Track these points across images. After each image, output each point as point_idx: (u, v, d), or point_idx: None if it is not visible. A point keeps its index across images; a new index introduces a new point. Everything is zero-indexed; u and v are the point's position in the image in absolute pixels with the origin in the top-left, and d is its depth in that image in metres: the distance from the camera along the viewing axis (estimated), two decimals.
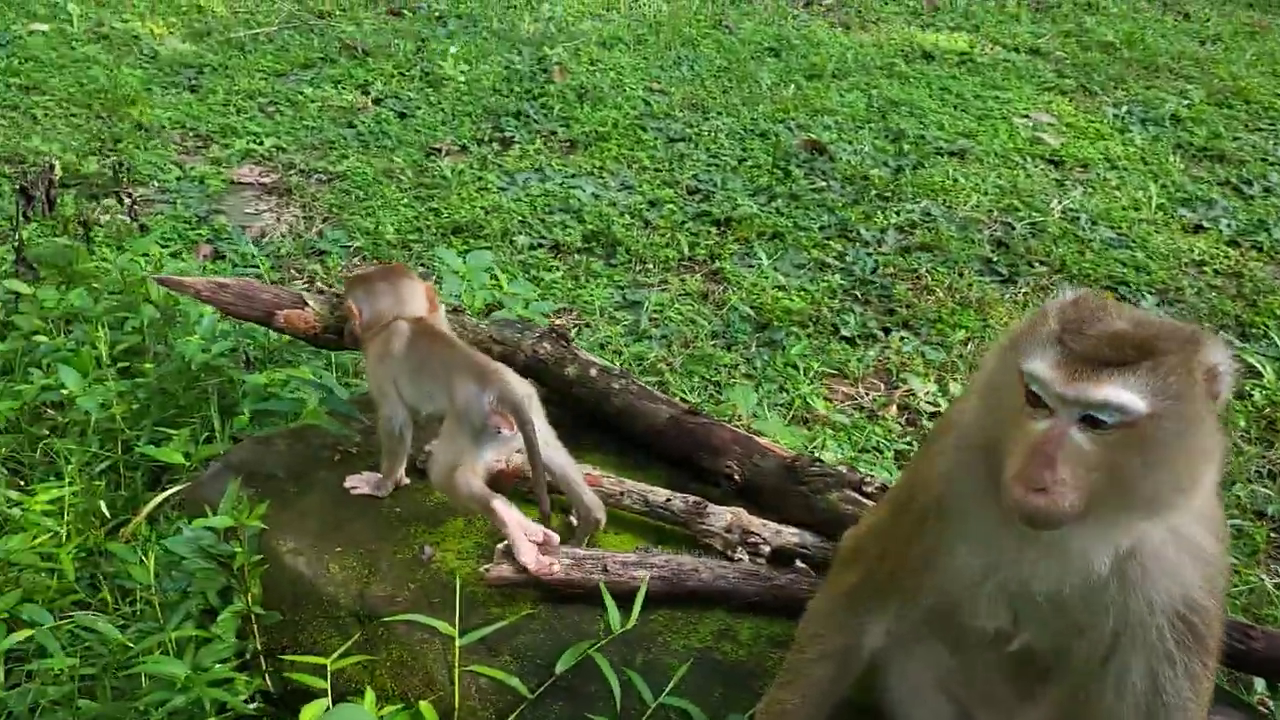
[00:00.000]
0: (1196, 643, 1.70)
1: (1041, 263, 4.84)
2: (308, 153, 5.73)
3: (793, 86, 6.68)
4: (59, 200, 3.80)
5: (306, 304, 2.83)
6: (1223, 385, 1.60)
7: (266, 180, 5.44)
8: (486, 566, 2.29)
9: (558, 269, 4.83)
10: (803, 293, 4.65)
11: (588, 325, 4.46)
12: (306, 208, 5.23)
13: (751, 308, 4.54)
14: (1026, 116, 6.36)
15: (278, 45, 7.04)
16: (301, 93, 6.37)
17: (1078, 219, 5.19)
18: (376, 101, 6.37)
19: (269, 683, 2.39)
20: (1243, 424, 3.82)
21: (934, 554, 1.76)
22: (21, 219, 3.64)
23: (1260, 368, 4.09)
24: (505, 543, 2.30)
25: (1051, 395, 1.54)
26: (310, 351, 3.55)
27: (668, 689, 2.05)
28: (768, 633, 2.28)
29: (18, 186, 3.66)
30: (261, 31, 7.25)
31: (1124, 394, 1.52)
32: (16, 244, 3.68)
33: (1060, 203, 5.31)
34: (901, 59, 7.15)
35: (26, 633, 2.24)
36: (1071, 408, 1.53)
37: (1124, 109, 6.44)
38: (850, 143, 5.99)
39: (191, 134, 5.90)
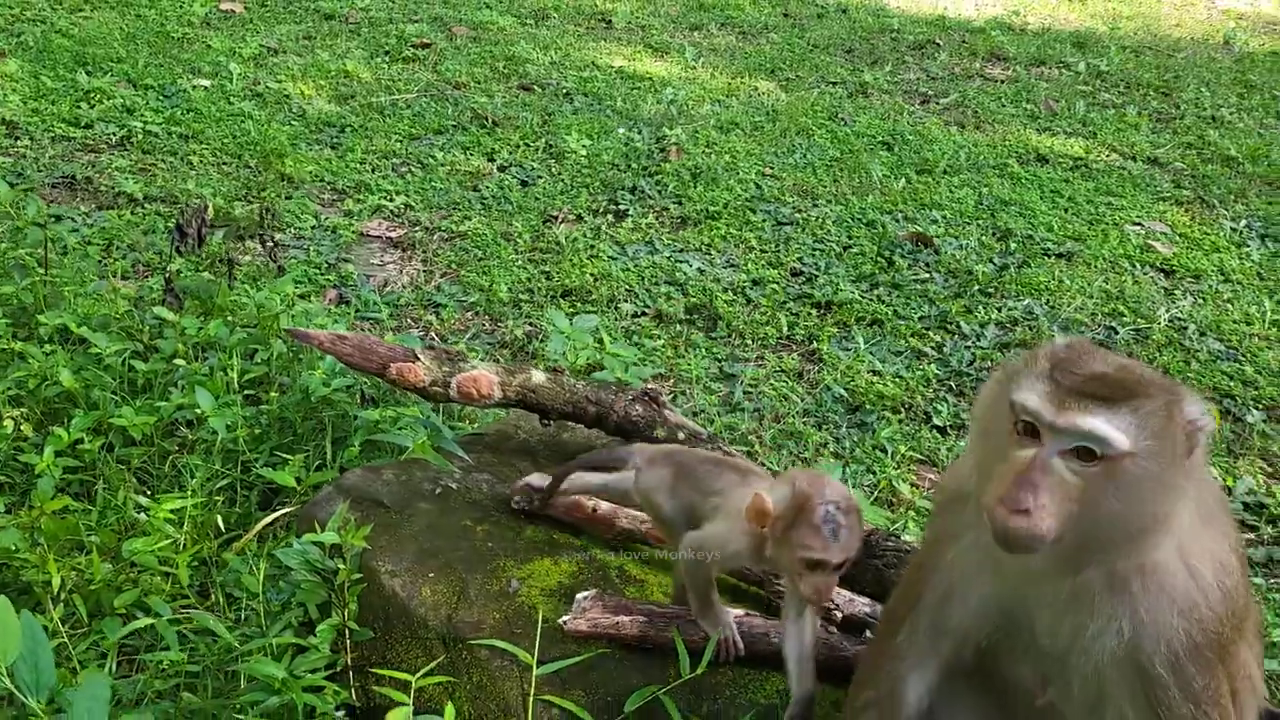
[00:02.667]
0: (1179, 687, 1.73)
1: None
2: (433, 212, 6.08)
3: (903, 180, 6.79)
4: (208, 239, 4.13)
5: (418, 358, 3.02)
6: (1199, 441, 1.71)
7: (394, 235, 5.79)
8: (565, 618, 2.40)
9: (659, 337, 5.00)
10: (898, 379, 4.71)
11: (684, 393, 4.60)
12: (427, 262, 5.54)
13: (845, 389, 4.61)
14: (1139, 224, 6.33)
15: (414, 111, 7.49)
16: (432, 156, 6.76)
17: (1185, 329, 5.13)
18: (501, 169, 6.72)
19: (354, 695, 2.54)
20: None
21: (936, 596, 1.86)
22: (174, 253, 3.97)
23: None
24: (586, 595, 2.41)
25: (1042, 424, 1.66)
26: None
27: None
28: (832, 697, 2.33)
29: (174, 223, 4.01)
30: (400, 97, 7.73)
31: (1109, 428, 1.63)
32: (167, 275, 4.02)
33: (1168, 311, 5.27)
34: (1015, 160, 7.21)
35: (146, 621, 2.43)
36: (1059, 437, 1.65)
37: (1242, 223, 6.36)
38: (956, 238, 6.05)
39: (329, 188, 6.32)
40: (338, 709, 2.39)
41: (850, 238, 6.02)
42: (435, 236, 5.82)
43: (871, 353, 4.90)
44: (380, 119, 7.34)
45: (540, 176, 6.63)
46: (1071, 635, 1.77)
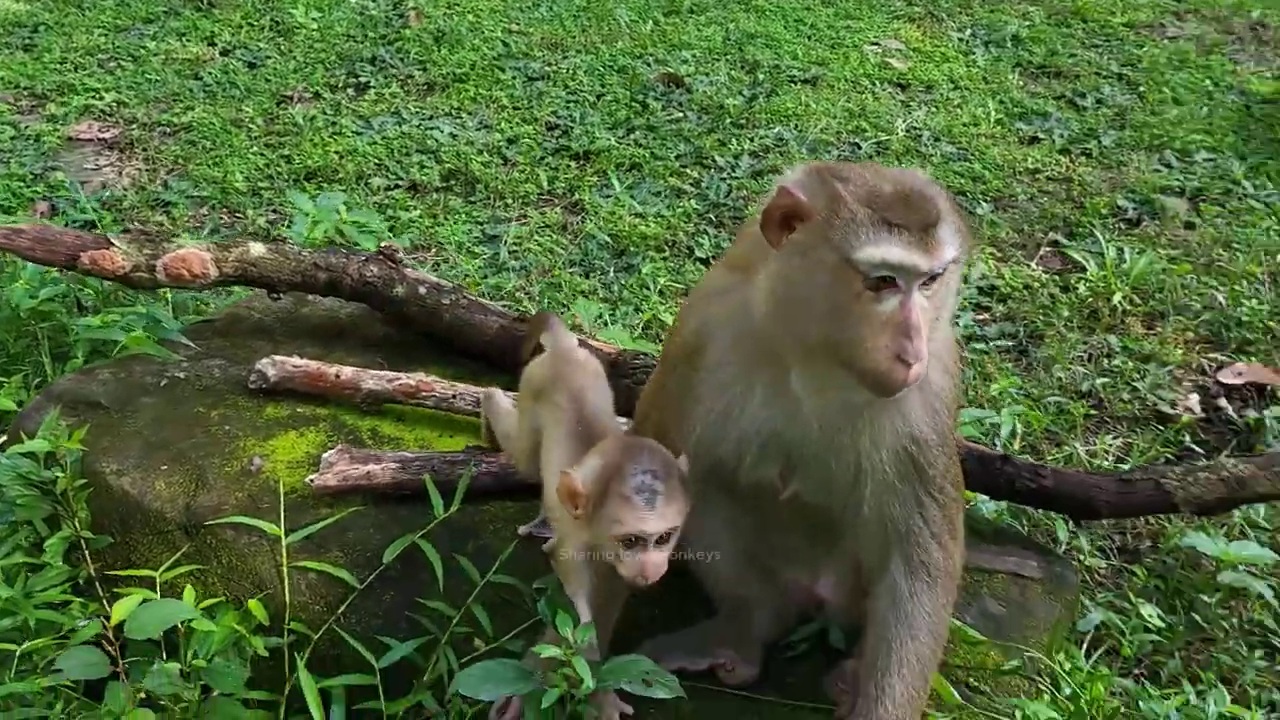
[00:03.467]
0: (918, 474, 1.83)
1: None
2: (150, 106, 5.56)
3: (650, 23, 6.71)
4: None
5: (111, 244, 2.76)
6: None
7: (107, 135, 5.27)
8: (312, 477, 2.32)
9: (415, 208, 4.81)
10: (659, 218, 4.73)
11: (446, 261, 4.47)
12: (150, 161, 5.08)
13: (609, 236, 4.60)
14: (876, 44, 6.53)
15: (117, 1, 6.77)
16: (144, 47, 6.15)
17: (920, 136, 5.37)
18: (224, 53, 6.19)
19: (107, 606, 2.38)
20: (1066, 313, 4.04)
21: (689, 403, 1.88)
22: None
23: (1084, 262, 4.32)
24: (332, 451, 2.33)
25: (918, 274, 1.60)
26: (153, 297, 3.48)
27: (493, 569, 2.11)
28: None
29: None
30: None
31: (955, 247, 1.64)
32: None
33: (904, 122, 5.49)
34: None
35: None
36: (923, 278, 1.61)
37: (968, 32, 6.65)
38: (707, 75, 6.06)
39: (27, 93, 5.66)
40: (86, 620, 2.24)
41: (603, 86, 5.93)
42: (156, 132, 5.33)
43: (632, 196, 4.89)
44: (79, 13, 6.58)
45: (269, 57, 6.16)
46: (844, 435, 1.79)
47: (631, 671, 1.78)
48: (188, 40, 6.28)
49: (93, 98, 5.57)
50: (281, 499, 2.15)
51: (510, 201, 4.91)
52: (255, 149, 5.16)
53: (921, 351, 1.59)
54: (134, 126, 5.34)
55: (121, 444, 2.44)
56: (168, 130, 5.34)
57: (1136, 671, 2.64)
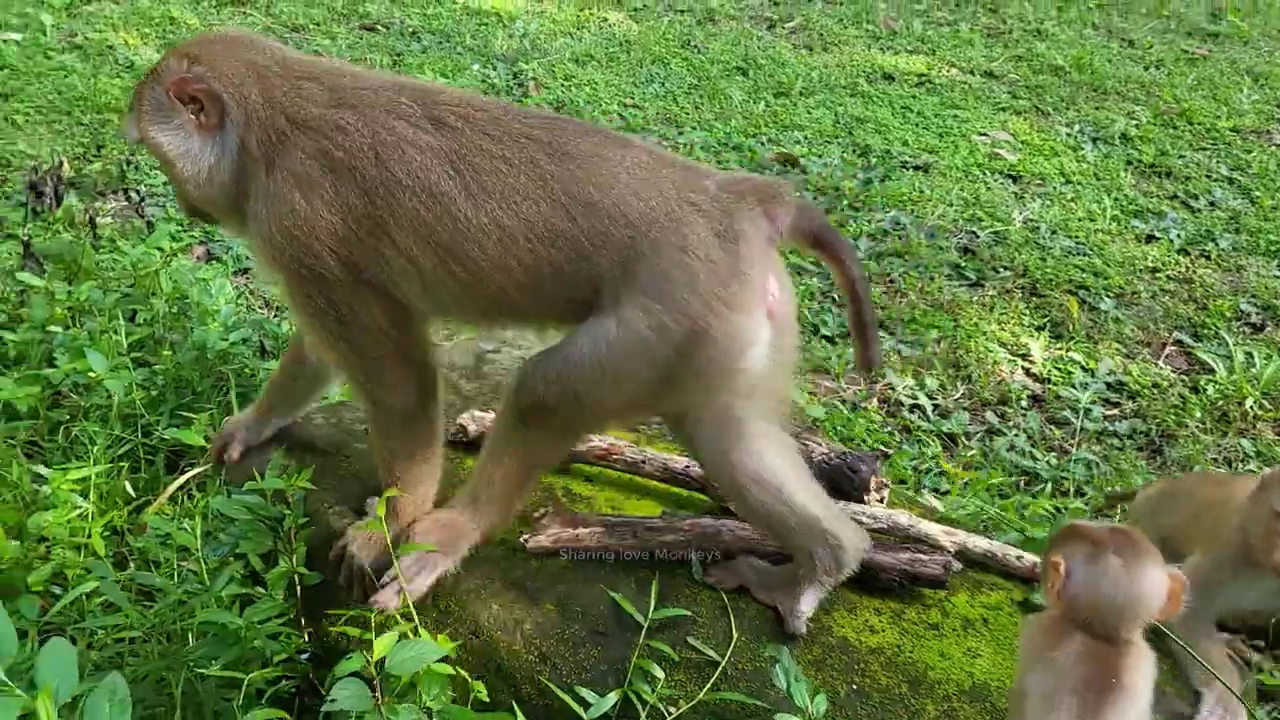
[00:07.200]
0: None
1: (1006, 268, 5.11)
2: None
3: (762, 103, 6.93)
4: (65, 198, 3.85)
5: None
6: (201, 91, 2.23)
7: None
8: (526, 536, 2.43)
9: None
10: None
11: None
12: None
13: None
14: (984, 134, 6.68)
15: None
16: None
17: (1038, 229, 5.48)
18: None
19: (308, 640, 2.49)
20: (1198, 414, 4.09)
21: None
22: (30, 215, 3.69)
23: (1213, 364, 4.37)
24: (543, 512, 2.44)
25: None
26: None
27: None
28: None
29: (28, 183, 3.72)
30: None
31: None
32: (25, 239, 3.74)
33: (1021, 214, 5.61)
34: (864, 79, 7.45)
35: (93, 582, 2.31)
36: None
37: (1076, 128, 6.79)
38: (820, 156, 6.24)
39: None
40: (300, 651, 2.35)
41: (720, 162, 6.12)
42: None
43: None
44: None
45: None
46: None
47: None
48: None
49: None
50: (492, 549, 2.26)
51: None
52: None
53: None
54: None
55: (341, 486, 2.57)
56: None
57: None
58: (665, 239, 2.05)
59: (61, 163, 3.90)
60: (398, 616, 2.19)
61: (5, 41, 6.87)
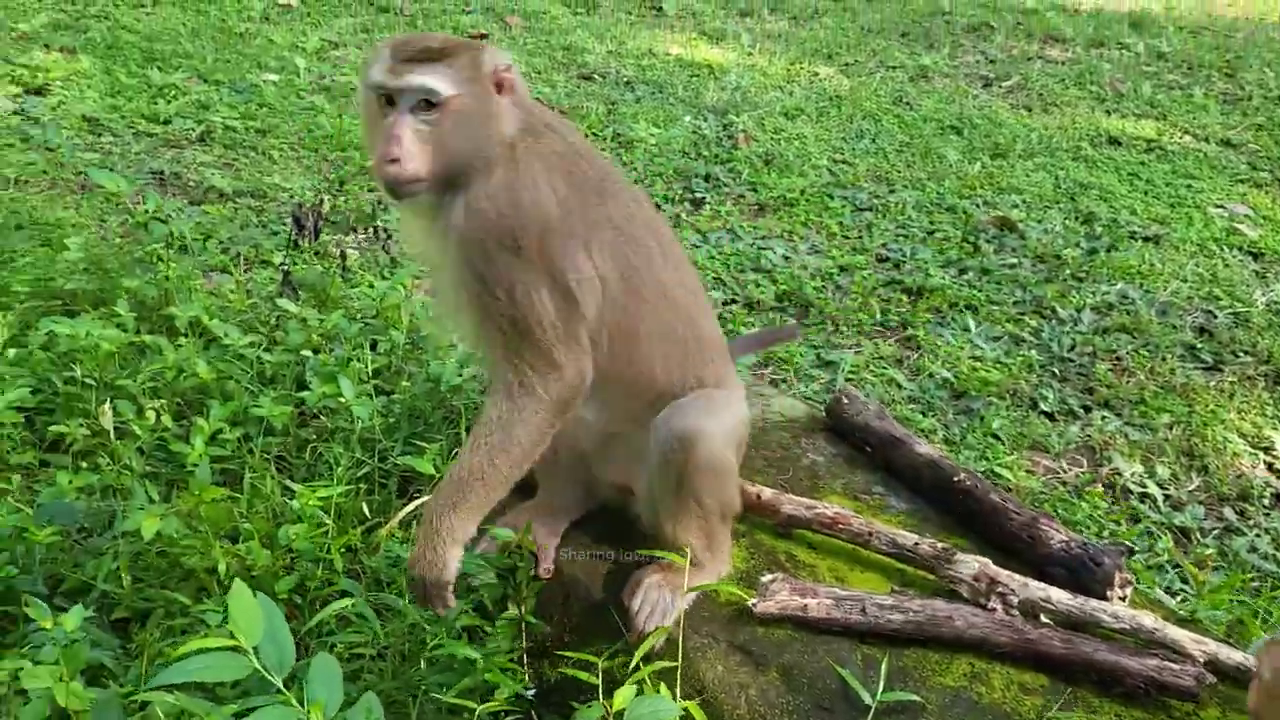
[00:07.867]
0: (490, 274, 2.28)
1: (1247, 353, 4.77)
2: None
3: (978, 164, 6.76)
4: (323, 231, 4.16)
5: None
6: (508, 79, 2.30)
7: None
8: (754, 601, 2.42)
9: (753, 325, 5.00)
10: (999, 365, 4.69)
11: (784, 380, 4.60)
12: None
13: (950, 374, 4.61)
14: (1222, 207, 6.29)
15: None
16: None
17: None
18: None
19: (529, 679, 2.56)
20: None
21: None
22: (292, 245, 4.00)
23: None
24: (772, 578, 2.43)
25: (389, 89, 2.20)
26: None
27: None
28: (1018, 680, 2.34)
29: (292, 216, 4.03)
30: None
31: (431, 80, 2.20)
32: (285, 268, 4.05)
33: (1264, 295, 5.23)
34: (1088, 143, 7.17)
35: (345, 602, 2.46)
36: (404, 96, 2.20)
37: None
38: (1039, 222, 6.03)
39: None
40: (526, 688, 2.42)
41: (932, 223, 6.00)
42: None
43: (969, 338, 4.89)
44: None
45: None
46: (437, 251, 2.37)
47: None
48: None
49: None
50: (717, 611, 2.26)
51: (844, 329, 5.02)
52: None
53: (396, 152, 2.18)
54: None
55: (574, 533, 2.65)
56: None
57: None
58: None
59: (323, 199, 4.21)
60: (633, 665, 2.22)
61: (265, 82, 7.51)
